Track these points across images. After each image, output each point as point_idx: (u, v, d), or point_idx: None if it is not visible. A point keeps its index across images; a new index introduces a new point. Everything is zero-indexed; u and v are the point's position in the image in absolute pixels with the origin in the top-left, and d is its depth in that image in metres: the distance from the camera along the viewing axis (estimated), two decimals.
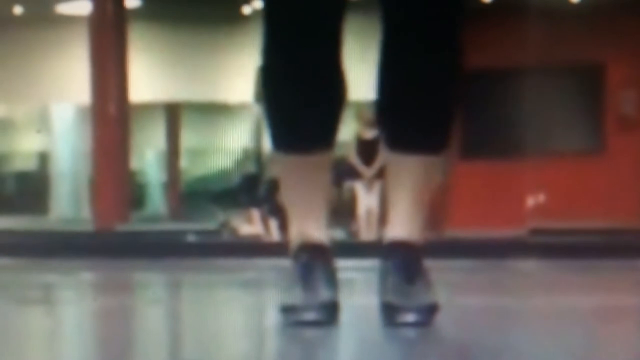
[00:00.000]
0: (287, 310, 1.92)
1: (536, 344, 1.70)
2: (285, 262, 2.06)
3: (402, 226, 1.99)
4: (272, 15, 1.92)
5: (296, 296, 1.92)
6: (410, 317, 1.88)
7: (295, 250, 2.00)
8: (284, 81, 1.94)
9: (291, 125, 1.97)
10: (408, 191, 1.99)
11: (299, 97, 1.93)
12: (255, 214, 8.23)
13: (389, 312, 1.91)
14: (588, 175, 10.86)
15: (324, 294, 1.92)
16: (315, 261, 1.97)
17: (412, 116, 1.97)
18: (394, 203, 2.02)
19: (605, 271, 4.67)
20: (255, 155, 9.20)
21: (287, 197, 2.03)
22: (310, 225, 2.00)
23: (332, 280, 1.96)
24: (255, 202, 8.37)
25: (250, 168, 9.59)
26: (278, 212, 7.87)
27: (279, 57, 1.92)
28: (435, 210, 9.39)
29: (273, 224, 7.88)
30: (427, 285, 1.94)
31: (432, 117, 1.98)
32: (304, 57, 1.91)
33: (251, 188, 8.89)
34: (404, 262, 1.96)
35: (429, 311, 1.89)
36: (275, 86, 1.96)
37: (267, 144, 9.15)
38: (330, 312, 1.91)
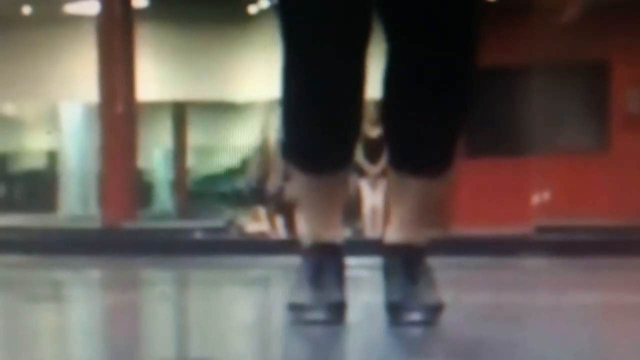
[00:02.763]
0: (295, 308, 1.93)
1: (543, 341, 1.71)
2: (292, 260, 2.07)
3: (402, 232, 1.99)
4: (292, 34, 1.86)
5: (304, 295, 1.92)
6: (415, 316, 1.88)
7: (306, 248, 2.00)
8: (305, 108, 1.90)
9: (310, 151, 1.95)
10: (410, 209, 1.99)
11: (318, 126, 1.91)
12: (262, 211, 8.25)
13: (394, 311, 1.91)
14: (594, 173, 10.85)
15: (332, 294, 1.92)
16: (326, 261, 1.96)
17: (418, 141, 1.94)
18: (396, 216, 2.02)
19: (612, 269, 4.67)
20: (262, 153, 9.21)
21: (306, 211, 2.02)
22: (325, 225, 1.99)
23: (341, 281, 1.97)
24: (262, 200, 8.39)
25: (258, 170, 9.61)
26: (284, 209, 7.89)
27: (299, 76, 1.88)
28: (442, 208, 9.40)
29: (279, 221, 7.90)
30: (431, 284, 1.94)
31: (439, 142, 1.95)
32: (328, 91, 1.87)
33: (259, 185, 8.90)
34: (405, 262, 1.96)
35: (434, 310, 1.89)
36: (295, 112, 1.93)
37: (273, 142, 9.17)
38: (338, 312, 1.91)
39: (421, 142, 1.94)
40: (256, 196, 8.69)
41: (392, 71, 1.93)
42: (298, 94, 1.89)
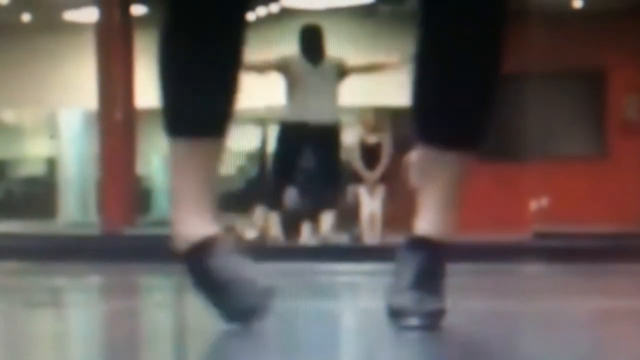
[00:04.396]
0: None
1: (541, 347, 1.71)
2: (290, 267, 2.07)
3: (429, 222, 1.96)
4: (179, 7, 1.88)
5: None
6: (414, 321, 1.87)
7: (186, 249, 1.96)
8: (179, 55, 1.89)
9: (181, 105, 1.91)
10: (440, 188, 1.96)
11: (192, 78, 1.89)
12: (259, 218, 8.25)
13: (394, 314, 1.91)
14: (591, 179, 10.86)
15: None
16: (208, 262, 1.92)
17: (450, 112, 1.93)
18: (425, 199, 1.98)
19: (610, 275, 4.67)
20: (259, 158, 9.23)
21: (173, 186, 1.96)
22: (197, 220, 1.93)
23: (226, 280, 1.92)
24: (259, 204, 8.38)
25: (255, 170, 9.62)
26: (282, 216, 7.89)
27: (177, 31, 1.88)
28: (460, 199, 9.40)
29: (277, 228, 7.90)
30: (437, 289, 1.91)
31: (471, 112, 1.94)
32: (206, 40, 1.86)
33: (256, 189, 8.91)
34: (419, 262, 1.93)
35: (434, 316, 1.87)
36: (170, 59, 1.91)
37: (271, 147, 9.19)
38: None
39: (454, 109, 1.93)
40: (254, 198, 8.69)
41: (424, 43, 1.93)
42: (175, 52, 1.90)
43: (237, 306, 1.90)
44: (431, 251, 1.95)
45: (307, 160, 7.59)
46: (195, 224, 1.93)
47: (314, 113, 7.40)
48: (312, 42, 7.60)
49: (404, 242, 1.98)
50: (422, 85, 1.95)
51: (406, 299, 1.89)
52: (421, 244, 1.95)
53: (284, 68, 7.44)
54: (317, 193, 7.77)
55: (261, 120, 10.18)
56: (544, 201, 10.50)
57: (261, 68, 7.24)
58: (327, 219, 7.78)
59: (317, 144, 7.44)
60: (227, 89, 1.92)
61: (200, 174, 1.93)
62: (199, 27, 1.87)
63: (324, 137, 7.42)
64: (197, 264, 1.94)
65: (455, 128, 1.94)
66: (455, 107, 1.93)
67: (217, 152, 1.95)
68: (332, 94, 7.55)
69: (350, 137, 8.94)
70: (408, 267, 1.94)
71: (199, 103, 1.90)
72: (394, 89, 11.56)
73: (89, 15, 10.85)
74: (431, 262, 1.94)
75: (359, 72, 7.80)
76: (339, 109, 7.67)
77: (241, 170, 10.91)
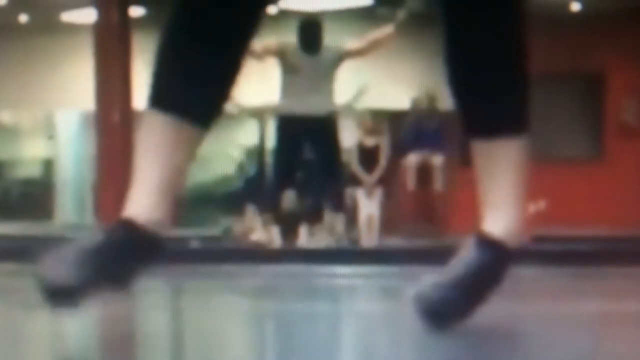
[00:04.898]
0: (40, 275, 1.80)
1: (540, 350, 1.71)
2: (288, 269, 2.07)
3: (497, 221, 1.92)
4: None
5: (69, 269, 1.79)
6: (427, 313, 1.84)
7: (117, 221, 1.89)
8: (182, 36, 1.86)
9: (175, 80, 1.86)
10: (502, 180, 1.94)
11: (193, 59, 1.85)
12: (258, 220, 8.24)
13: (417, 298, 1.87)
14: (589, 182, 10.87)
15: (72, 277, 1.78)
16: (120, 242, 1.86)
17: (489, 96, 1.93)
18: (489, 195, 1.94)
19: (608, 278, 4.67)
20: (258, 155, 9.23)
21: (139, 156, 1.90)
22: (142, 201, 1.84)
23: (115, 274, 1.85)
24: (258, 204, 8.37)
25: (253, 172, 9.61)
26: (281, 219, 7.88)
27: (186, 25, 1.86)
28: (435, 216, 9.42)
29: (275, 231, 7.90)
30: (478, 294, 1.87)
31: (511, 94, 1.96)
32: (211, 31, 1.84)
33: (254, 189, 8.91)
34: (474, 262, 1.88)
35: (450, 319, 1.85)
36: (171, 39, 1.88)
37: (269, 143, 9.18)
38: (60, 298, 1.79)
39: (496, 95, 1.93)
40: (252, 198, 8.68)
41: (450, 43, 1.93)
42: (178, 36, 1.87)
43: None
44: (494, 254, 1.89)
45: (307, 153, 7.55)
46: (143, 204, 1.84)
47: (309, 105, 7.35)
48: (309, 33, 7.55)
49: (474, 235, 1.93)
50: (459, 82, 1.95)
51: (437, 292, 1.85)
52: (485, 244, 1.90)
53: (282, 54, 7.41)
54: (318, 187, 7.72)
55: (259, 117, 10.17)
56: (541, 204, 10.51)
57: (260, 54, 7.20)
58: (339, 221, 7.77)
59: (314, 137, 7.39)
60: (224, 79, 1.88)
61: (169, 159, 1.84)
62: (208, 16, 1.85)
63: (320, 129, 7.37)
64: (121, 237, 1.87)
65: (497, 112, 1.93)
66: (497, 92, 1.93)
67: (190, 142, 1.86)
68: (328, 85, 7.48)
69: (348, 140, 8.94)
70: (462, 262, 1.89)
71: (192, 82, 1.85)
72: (392, 91, 11.58)
73: (87, 16, 10.85)
74: (488, 265, 1.88)
75: (363, 54, 7.72)
76: (335, 103, 7.60)
77: (240, 168, 10.91)
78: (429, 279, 1.90)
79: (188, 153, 1.87)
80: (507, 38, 1.95)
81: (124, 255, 1.88)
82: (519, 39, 1.98)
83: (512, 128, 1.96)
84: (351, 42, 7.69)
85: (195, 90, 1.86)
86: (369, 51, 7.70)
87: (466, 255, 1.91)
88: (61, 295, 1.79)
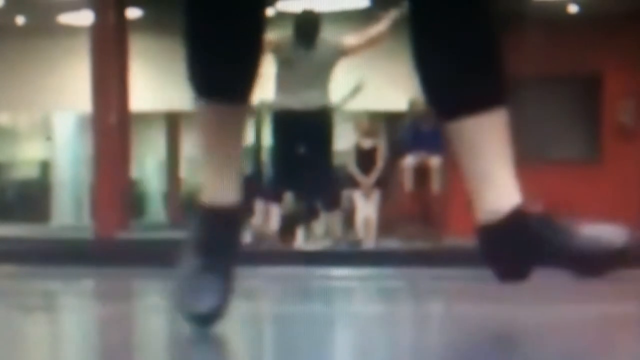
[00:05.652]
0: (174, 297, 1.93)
1: (537, 352, 1.72)
2: (286, 271, 2.07)
3: (510, 193, 1.85)
4: None
5: (185, 289, 1.92)
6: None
7: (204, 207, 1.97)
8: (207, 18, 1.90)
9: (207, 69, 1.92)
10: (484, 159, 1.85)
11: (217, 40, 1.89)
12: (255, 220, 8.23)
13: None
14: (586, 183, 10.88)
15: (202, 304, 1.89)
16: (218, 228, 1.94)
17: (457, 71, 1.84)
18: (483, 175, 1.86)
19: (604, 280, 4.68)
20: (254, 154, 9.22)
21: (202, 147, 1.98)
22: (223, 187, 1.94)
23: (227, 256, 1.93)
24: (255, 203, 8.36)
25: (249, 172, 9.61)
26: (279, 201, 7.82)
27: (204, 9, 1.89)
28: (433, 218, 9.43)
29: (274, 212, 7.85)
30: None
31: (480, 64, 1.86)
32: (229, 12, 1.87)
33: (251, 189, 8.90)
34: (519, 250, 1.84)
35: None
36: (197, 21, 1.91)
37: (266, 145, 9.17)
38: (206, 322, 1.90)
39: (460, 69, 1.85)
40: (250, 197, 8.68)
41: (416, 18, 1.90)
42: (201, 17, 1.90)
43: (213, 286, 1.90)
44: (520, 220, 1.85)
45: (301, 148, 7.49)
46: (219, 189, 1.95)
47: (303, 100, 7.31)
48: (306, 27, 7.49)
49: (480, 237, 1.89)
50: (423, 60, 1.90)
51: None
52: (517, 217, 1.85)
53: (278, 48, 7.36)
54: (311, 184, 7.66)
55: (255, 115, 10.17)
56: (538, 205, 10.51)
57: None
58: (336, 220, 7.75)
59: (308, 132, 7.33)
60: (250, 53, 1.92)
61: (226, 140, 1.94)
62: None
63: (314, 123, 7.32)
64: (213, 226, 1.94)
65: (472, 86, 1.85)
66: (463, 64, 1.85)
67: (241, 118, 1.95)
68: (324, 80, 7.43)
69: (345, 142, 8.94)
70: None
71: (223, 68, 1.91)
72: (389, 93, 11.59)
73: (84, 18, 10.85)
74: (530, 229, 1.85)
75: (359, 51, 7.69)
76: (331, 100, 7.56)
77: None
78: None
79: (243, 129, 1.96)
80: (478, 8, 1.87)
81: (234, 241, 1.95)
82: (488, 9, 1.88)
83: (489, 100, 1.85)
84: (348, 38, 7.65)
85: (230, 72, 1.92)
86: (366, 48, 7.67)
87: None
88: (212, 320, 1.91)
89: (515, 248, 1.87)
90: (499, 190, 1.86)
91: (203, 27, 1.91)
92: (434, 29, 1.88)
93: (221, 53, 1.90)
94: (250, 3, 1.90)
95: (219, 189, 1.95)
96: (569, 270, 1.86)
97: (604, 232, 1.89)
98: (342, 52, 7.47)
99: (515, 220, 1.86)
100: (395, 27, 7.43)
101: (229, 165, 1.94)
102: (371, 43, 7.60)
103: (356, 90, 8.11)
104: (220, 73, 1.91)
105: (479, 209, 1.87)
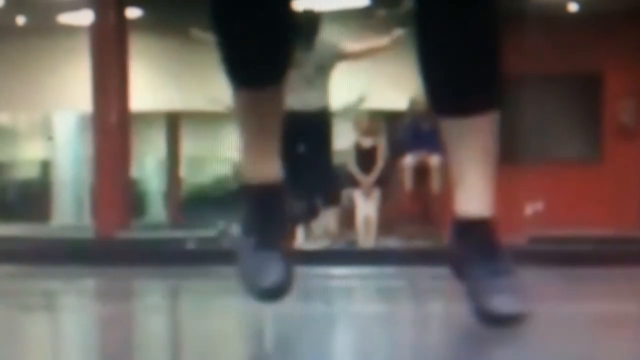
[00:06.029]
0: (242, 276, 1.95)
1: (536, 352, 1.72)
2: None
3: (477, 201, 1.92)
4: None
5: (249, 267, 1.94)
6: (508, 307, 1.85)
7: (250, 188, 2.01)
8: (234, 9, 1.91)
9: (243, 57, 1.95)
10: (475, 159, 1.92)
11: (246, 27, 1.91)
12: None
13: (486, 317, 1.88)
14: (586, 183, 10.88)
15: (268, 279, 1.91)
16: (269, 203, 1.99)
17: (459, 73, 1.90)
18: (463, 175, 1.93)
19: (604, 279, 4.68)
20: None
21: (240, 131, 2.02)
22: (264, 163, 2.00)
23: (284, 225, 2.00)
24: None
25: None
26: None
27: None
28: (433, 217, 9.43)
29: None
30: (510, 274, 1.91)
31: (480, 70, 1.92)
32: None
33: None
34: (488, 251, 1.91)
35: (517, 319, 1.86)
36: (225, 15, 1.93)
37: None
38: (274, 296, 1.92)
39: (462, 72, 1.90)
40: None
41: (422, 19, 1.92)
42: (230, 7, 1.91)
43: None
44: (491, 233, 1.93)
45: (300, 147, 7.49)
46: (262, 167, 2.00)
47: (303, 100, 7.30)
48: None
49: (455, 228, 1.95)
50: (428, 60, 1.93)
51: (495, 298, 1.87)
52: (478, 227, 1.92)
53: None
54: (309, 183, 7.66)
55: None
56: (539, 205, 10.52)
57: None
58: (332, 216, 7.74)
59: (307, 131, 7.33)
60: (284, 34, 1.94)
61: (264, 121, 1.99)
62: None
63: (313, 124, 7.32)
64: (262, 203, 1.99)
65: (472, 90, 1.91)
66: (465, 68, 1.90)
67: (277, 99, 2.00)
68: (323, 81, 7.44)
69: (345, 141, 8.94)
70: (479, 259, 1.90)
71: (259, 53, 1.94)
72: (389, 92, 11.58)
73: (84, 18, 10.84)
74: (495, 246, 1.91)
75: (357, 58, 7.71)
76: (330, 98, 7.56)
77: (236, 170, 10.92)
78: (475, 298, 1.91)
79: (280, 110, 2.02)
80: (481, 12, 1.90)
81: (280, 212, 2.04)
82: (492, 12, 1.92)
83: (486, 104, 1.93)
84: (348, 44, 7.66)
85: (264, 58, 1.95)
86: (364, 57, 7.71)
87: (466, 248, 1.94)
88: (279, 293, 1.93)
89: (462, 253, 1.95)
90: (472, 197, 1.93)
91: (233, 17, 1.92)
92: (439, 30, 1.90)
93: (253, 41, 1.92)
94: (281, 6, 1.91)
95: (263, 168, 2.00)
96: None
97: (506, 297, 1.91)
98: (340, 56, 7.48)
99: (473, 231, 1.93)
100: (395, 42, 7.48)
101: (269, 145, 2.00)
102: (369, 53, 7.66)
103: (358, 102, 8.16)
104: (254, 61, 1.94)
105: (455, 201, 1.95)
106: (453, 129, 1.92)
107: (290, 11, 1.95)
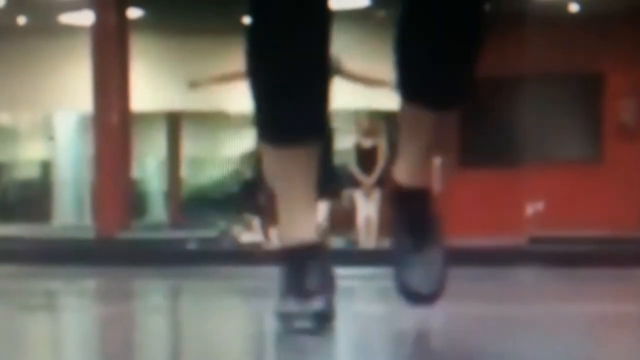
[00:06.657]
0: (282, 317, 1.92)
1: (536, 352, 1.71)
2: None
3: (414, 173, 2.03)
4: (259, 11, 1.88)
5: (291, 303, 1.91)
6: (423, 289, 1.96)
7: (286, 252, 1.97)
8: (267, 66, 1.88)
9: (276, 115, 1.91)
10: (424, 145, 2.01)
11: (282, 84, 1.88)
12: (256, 221, 8.25)
13: (405, 292, 1.98)
14: (587, 183, 10.88)
15: (316, 303, 1.89)
16: (307, 263, 1.94)
17: (435, 70, 1.92)
18: (407, 155, 2.03)
19: (604, 280, 4.67)
20: (254, 163, 9.24)
21: (275, 191, 2.00)
22: (300, 223, 1.96)
23: (325, 285, 1.94)
24: (254, 206, 8.39)
25: (250, 176, 9.63)
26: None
27: (263, 40, 1.88)
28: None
29: (273, 231, 7.91)
30: (438, 253, 2.01)
31: (455, 70, 1.94)
32: (290, 43, 1.85)
33: (251, 192, 8.93)
34: (413, 219, 2.02)
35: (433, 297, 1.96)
36: (258, 71, 1.90)
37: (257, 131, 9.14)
38: (323, 321, 1.89)
39: (438, 70, 1.93)
40: (249, 201, 8.70)
41: (407, 9, 1.93)
42: (262, 59, 1.89)
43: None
44: (422, 200, 2.04)
45: None
46: (300, 226, 1.96)
47: None
48: None
49: (393, 197, 2.06)
50: (406, 46, 1.95)
51: (416, 275, 1.98)
52: (413, 193, 2.03)
53: None
54: None
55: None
56: (539, 205, 10.52)
57: (227, 77, 7.23)
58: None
59: None
60: (320, 93, 1.92)
61: (301, 178, 1.96)
62: (283, 31, 1.85)
63: None
64: (297, 263, 1.94)
65: (439, 89, 1.95)
66: (440, 69, 1.93)
67: (314, 155, 1.97)
68: None
69: (346, 141, 8.94)
70: (408, 223, 2.02)
71: (295, 113, 1.90)
72: (390, 93, 11.57)
73: (85, 18, 10.85)
74: (425, 214, 2.04)
75: (351, 79, 7.77)
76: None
77: (237, 173, 10.93)
78: (399, 274, 2.02)
79: (313, 167, 1.99)
80: (465, 18, 1.91)
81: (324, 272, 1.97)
82: (476, 19, 1.93)
83: (451, 101, 1.98)
84: (346, 63, 7.73)
85: (301, 114, 1.91)
86: (354, 81, 7.80)
87: (400, 215, 2.06)
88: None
89: (396, 219, 2.08)
90: (410, 169, 2.03)
91: (268, 78, 1.89)
92: (424, 22, 1.91)
93: (289, 102, 1.88)
94: (314, 51, 1.87)
95: (296, 229, 1.95)
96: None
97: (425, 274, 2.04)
98: (338, 71, 7.53)
99: (408, 199, 2.05)
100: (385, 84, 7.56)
101: (304, 204, 1.97)
102: (360, 81, 7.75)
103: (367, 81, 8.17)
104: (291, 121, 1.90)
105: (394, 172, 2.06)
106: (414, 114, 1.98)
107: (328, 72, 1.91)
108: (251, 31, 1.89)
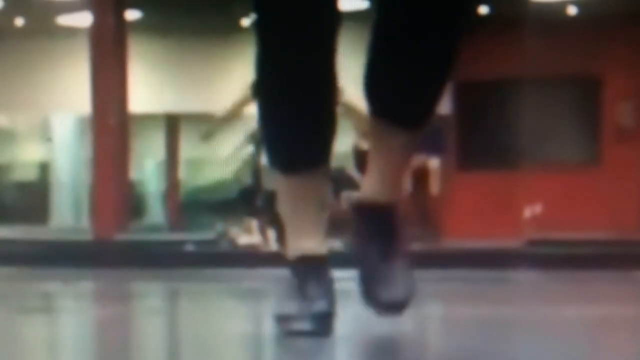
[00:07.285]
0: (281, 319, 1.93)
1: (533, 354, 1.72)
2: (283, 272, 2.07)
3: (383, 188, 2.03)
4: (264, 29, 1.90)
5: (291, 306, 1.92)
6: (392, 296, 1.95)
7: (291, 262, 2.00)
8: (275, 97, 1.92)
9: (284, 145, 1.96)
10: (392, 161, 2.01)
11: (289, 115, 1.92)
12: (254, 224, 8.25)
13: (368, 289, 2.00)
14: (585, 186, 10.88)
15: (318, 304, 1.91)
16: (310, 273, 1.96)
17: (405, 88, 1.95)
18: (376, 170, 2.03)
19: (603, 282, 4.68)
20: (253, 165, 9.24)
21: (284, 213, 2.03)
22: (307, 238, 1.99)
23: (327, 292, 1.96)
24: (253, 212, 8.39)
25: (248, 178, 9.62)
26: (276, 222, 7.89)
27: (270, 72, 1.91)
28: (433, 221, 9.45)
29: (271, 234, 7.90)
30: (404, 262, 2.01)
31: (426, 91, 1.96)
32: (297, 73, 1.88)
33: (249, 198, 8.92)
34: (381, 226, 2.02)
35: (401, 305, 1.95)
36: (267, 102, 1.94)
37: (264, 154, 9.16)
38: (324, 323, 1.91)
39: (408, 90, 1.95)
40: (248, 207, 8.70)
41: (379, 24, 1.94)
42: (270, 87, 1.92)
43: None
44: (386, 214, 2.04)
45: None
46: (309, 240, 1.99)
47: None
48: None
49: (358, 210, 2.07)
50: (377, 62, 1.96)
51: (381, 285, 1.98)
52: (373, 209, 2.04)
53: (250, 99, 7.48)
54: None
55: (257, 129, 10.20)
56: (537, 208, 10.52)
57: (234, 112, 7.28)
58: None
59: None
60: (326, 120, 1.95)
61: (308, 202, 1.99)
62: (293, 61, 1.88)
63: None
64: (302, 273, 1.97)
65: (405, 109, 1.97)
66: (407, 90, 1.95)
67: (323, 178, 2.00)
68: None
69: (344, 143, 8.93)
70: (374, 234, 2.04)
71: (302, 139, 1.94)
72: None
73: (83, 19, 10.84)
74: (388, 227, 2.04)
75: (347, 114, 7.84)
76: None
77: (236, 175, 10.93)
78: (363, 282, 2.04)
79: (324, 185, 2.02)
80: (437, 41, 1.90)
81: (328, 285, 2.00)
82: (448, 44, 1.92)
83: (420, 120, 2.00)
84: (344, 90, 7.76)
85: (310, 143, 1.95)
86: (353, 120, 7.88)
87: (361, 229, 2.08)
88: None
89: (361, 234, 2.10)
90: (378, 188, 2.03)
91: (277, 108, 1.92)
92: (396, 38, 1.92)
93: (297, 132, 1.92)
94: (319, 85, 1.90)
95: (304, 243, 1.98)
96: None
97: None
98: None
99: (371, 213, 2.05)
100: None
101: (315, 222, 2.00)
102: (350, 118, 7.84)
103: (352, 114, 8.25)
104: (299, 150, 1.94)
105: (363, 182, 2.08)
106: (382, 130, 1.98)
107: (334, 107, 1.94)
108: (261, 59, 1.92)
